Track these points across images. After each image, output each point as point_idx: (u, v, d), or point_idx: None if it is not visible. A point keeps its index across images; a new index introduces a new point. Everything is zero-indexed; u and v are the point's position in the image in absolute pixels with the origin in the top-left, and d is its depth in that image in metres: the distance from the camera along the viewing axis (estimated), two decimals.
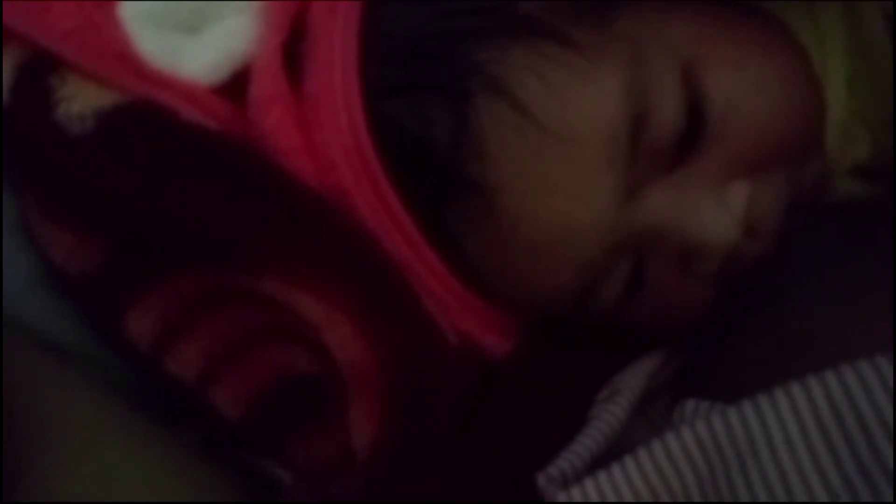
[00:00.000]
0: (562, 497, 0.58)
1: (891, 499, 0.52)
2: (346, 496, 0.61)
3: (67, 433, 0.58)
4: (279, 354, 0.61)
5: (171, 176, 0.59)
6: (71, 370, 0.61)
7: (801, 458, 0.53)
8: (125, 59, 0.60)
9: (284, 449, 0.62)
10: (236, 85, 0.61)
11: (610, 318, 0.64)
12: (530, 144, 0.59)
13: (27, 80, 0.60)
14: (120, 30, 0.60)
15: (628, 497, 0.56)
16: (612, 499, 0.56)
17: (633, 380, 0.64)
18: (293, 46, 0.61)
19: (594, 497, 0.57)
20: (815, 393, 0.54)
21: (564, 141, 0.59)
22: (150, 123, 0.60)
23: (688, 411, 0.59)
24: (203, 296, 0.61)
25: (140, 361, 0.62)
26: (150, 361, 0.61)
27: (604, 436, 0.63)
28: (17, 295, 0.61)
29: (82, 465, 0.57)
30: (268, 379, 0.61)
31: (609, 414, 0.63)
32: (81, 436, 0.58)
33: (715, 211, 0.61)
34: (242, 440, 0.63)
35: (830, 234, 0.64)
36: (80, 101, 0.59)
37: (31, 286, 0.62)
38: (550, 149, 0.59)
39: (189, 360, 0.61)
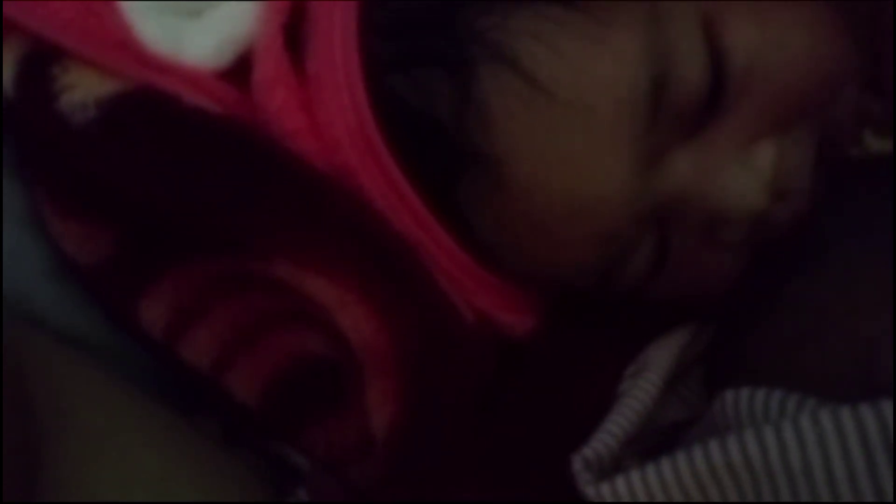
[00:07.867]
0: (591, 491, 0.56)
1: None
2: (366, 482, 0.60)
3: (86, 423, 0.57)
4: (292, 338, 0.60)
5: (177, 162, 0.59)
6: (88, 361, 0.61)
7: (863, 493, 0.48)
8: (127, 46, 0.60)
9: (302, 434, 0.61)
10: (240, 69, 0.61)
11: (635, 292, 0.62)
12: (539, 114, 0.57)
13: (29, 72, 0.60)
14: (120, 17, 0.60)
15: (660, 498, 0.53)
16: (643, 499, 0.54)
17: (661, 355, 0.62)
18: (296, 27, 0.60)
19: (625, 497, 0.54)
20: (887, 416, 0.48)
21: (577, 109, 0.57)
22: (153, 110, 0.59)
23: (728, 404, 0.56)
24: (214, 282, 0.60)
25: (155, 350, 0.61)
26: (165, 349, 0.61)
27: (637, 415, 0.61)
28: (33, 287, 0.61)
29: (101, 454, 0.57)
30: (282, 364, 0.61)
31: (640, 391, 0.61)
32: (100, 425, 0.58)
33: (740, 175, 0.59)
34: (260, 427, 0.62)
35: (865, 196, 0.61)
36: (81, 90, 0.59)
37: (47, 278, 0.62)
38: (562, 118, 0.57)
39: (203, 347, 0.61)
